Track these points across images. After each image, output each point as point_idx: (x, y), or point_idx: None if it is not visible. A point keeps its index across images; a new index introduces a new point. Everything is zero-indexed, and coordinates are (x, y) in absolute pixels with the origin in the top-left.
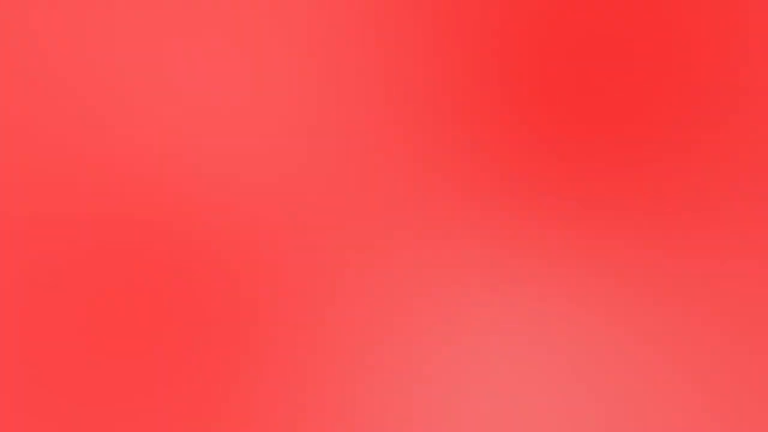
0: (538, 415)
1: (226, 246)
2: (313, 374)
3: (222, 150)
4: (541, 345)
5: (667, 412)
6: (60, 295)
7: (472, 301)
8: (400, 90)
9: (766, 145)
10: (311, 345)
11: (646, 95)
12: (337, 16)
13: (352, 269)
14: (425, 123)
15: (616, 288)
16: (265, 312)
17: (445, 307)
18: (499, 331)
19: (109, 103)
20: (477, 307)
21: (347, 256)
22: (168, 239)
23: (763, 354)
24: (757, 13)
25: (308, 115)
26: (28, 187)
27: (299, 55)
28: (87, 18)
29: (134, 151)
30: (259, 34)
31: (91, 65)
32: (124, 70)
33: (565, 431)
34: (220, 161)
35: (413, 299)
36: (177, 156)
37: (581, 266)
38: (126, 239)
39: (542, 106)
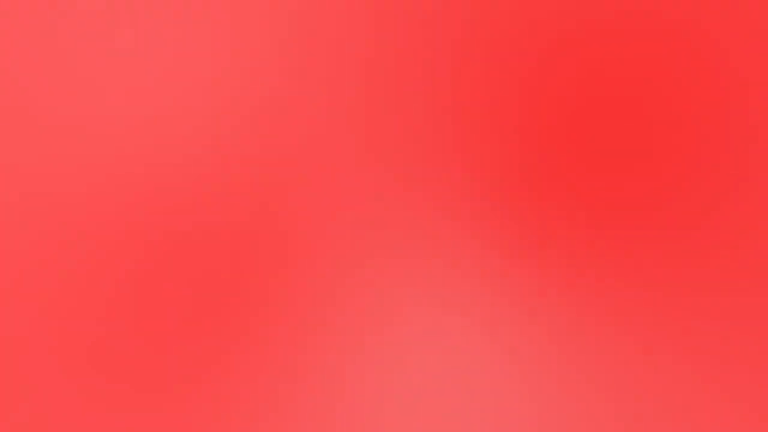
0: (529, 420)
1: (222, 247)
2: (307, 376)
3: (219, 151)
4: (534, 349)
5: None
6: (57, 295)
7: (467, 305)
8: (399, 91)
9: None
10: (308, 346)
11: (651, 145)
12: (330, 17)
13: (351, 270)
14: (420, 127)
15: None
16: (262, 312)
17: (442, 309)
18: (495, 332)
19: (100, 103)
20: (473, 309)
21: (346, 256)
22: (164, 239)
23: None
24: None
25: (302, 118)
26: (20, 187)
27: (297, 55)
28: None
29: (130, 152)
30: (249, 32)
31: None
32: (110, 70)
33: None
34: (217, 162)
35: (411, 300)
36: (172, 155)
37: (576, 276)
38: (122, 239)
39: (539, 120)
